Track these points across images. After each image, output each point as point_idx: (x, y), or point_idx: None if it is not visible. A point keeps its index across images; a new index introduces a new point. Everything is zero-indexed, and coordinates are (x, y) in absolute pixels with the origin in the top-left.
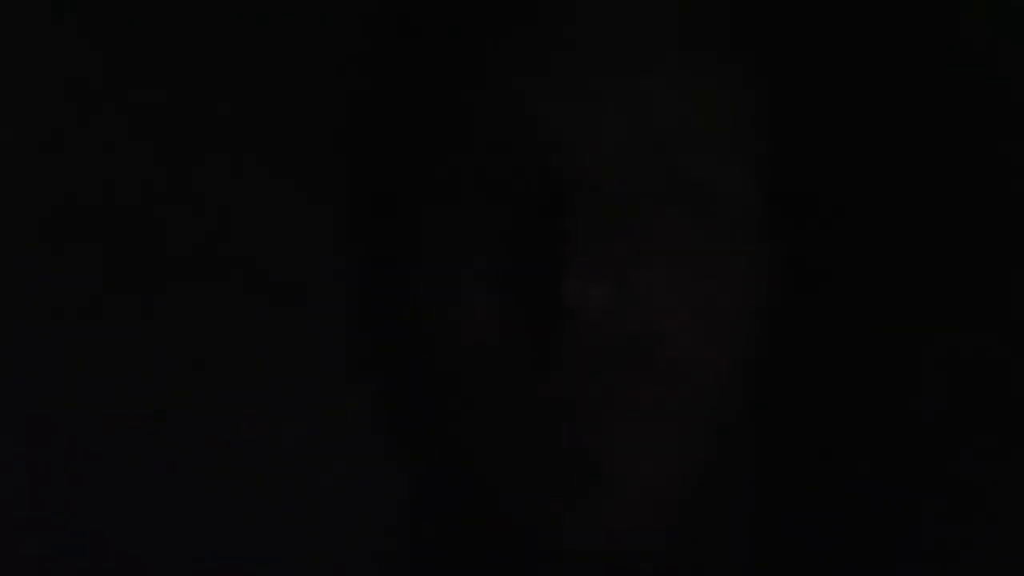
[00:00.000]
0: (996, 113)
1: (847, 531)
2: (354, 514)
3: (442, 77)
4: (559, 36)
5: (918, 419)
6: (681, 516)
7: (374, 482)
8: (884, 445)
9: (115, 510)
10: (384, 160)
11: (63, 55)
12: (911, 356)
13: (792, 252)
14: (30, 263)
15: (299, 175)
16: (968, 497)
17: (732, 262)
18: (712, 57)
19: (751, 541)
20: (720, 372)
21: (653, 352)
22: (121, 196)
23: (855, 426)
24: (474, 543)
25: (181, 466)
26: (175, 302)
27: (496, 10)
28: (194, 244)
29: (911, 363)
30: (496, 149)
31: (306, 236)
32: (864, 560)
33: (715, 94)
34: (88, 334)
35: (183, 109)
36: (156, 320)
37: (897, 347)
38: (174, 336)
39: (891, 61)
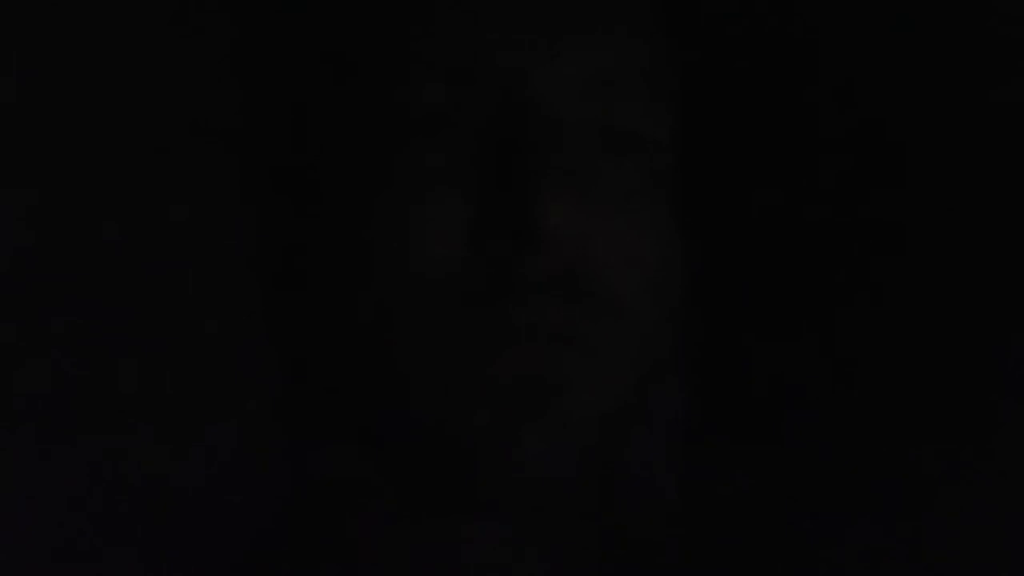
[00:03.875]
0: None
1: (771, 461)
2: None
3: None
4: None
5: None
6: (619, 443)
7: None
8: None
9: None
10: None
11: None
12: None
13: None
14: None
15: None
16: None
17: (657, 205)
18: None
19: (681, 468)
20: (650, 309)
21: (591, 289)
22: None
23: (776, 360)
24: (422, 466)
25: None
26: None
27: None
28: None
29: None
30: (456, 79)
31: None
32: (784, 493)
33: (643, 46)
34: None
35: None
36: None
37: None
38: None
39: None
